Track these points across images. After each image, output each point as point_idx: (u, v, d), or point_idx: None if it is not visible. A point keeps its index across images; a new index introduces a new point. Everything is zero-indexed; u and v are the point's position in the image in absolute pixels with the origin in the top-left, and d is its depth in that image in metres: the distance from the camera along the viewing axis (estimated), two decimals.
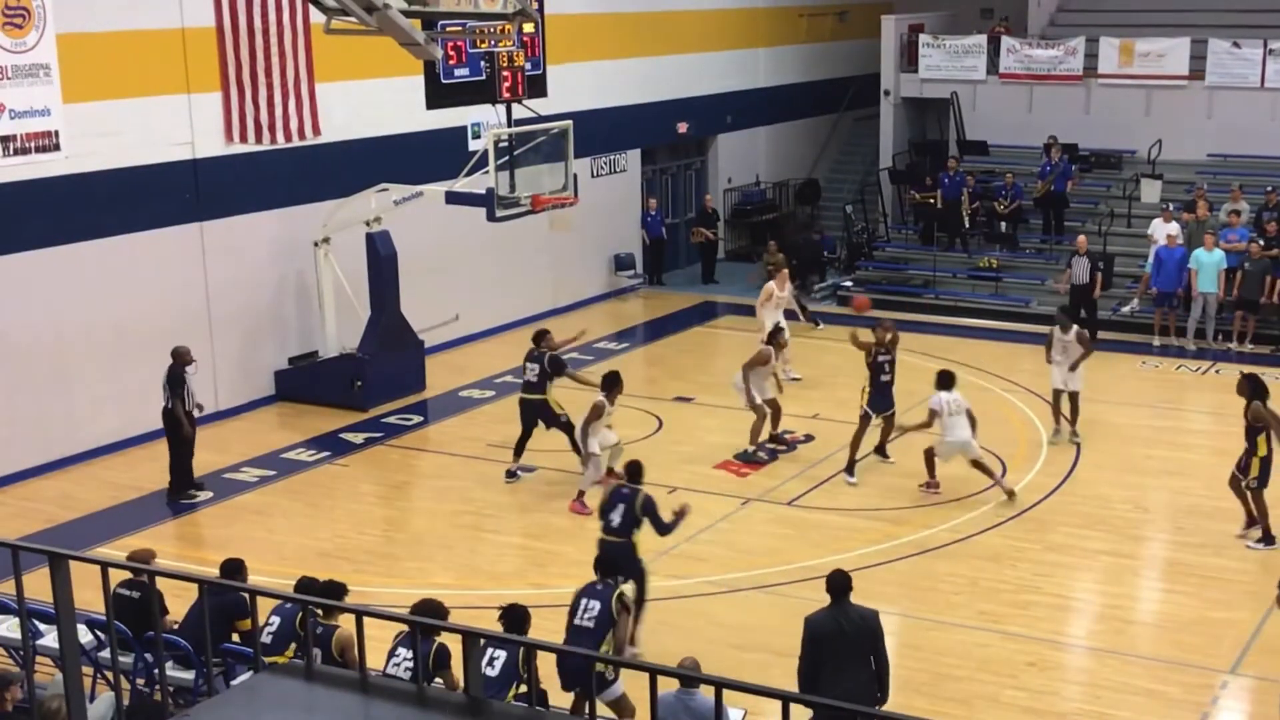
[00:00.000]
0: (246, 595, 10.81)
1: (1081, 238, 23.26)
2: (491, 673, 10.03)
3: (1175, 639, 13.12)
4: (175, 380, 16.58)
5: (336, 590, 10.60)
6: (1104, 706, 11.95)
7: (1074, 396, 18.35)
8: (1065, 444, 18.26)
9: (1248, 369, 21.60)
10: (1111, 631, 13.41)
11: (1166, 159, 26.44)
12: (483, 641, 10.27)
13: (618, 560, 11.81)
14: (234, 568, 11.36)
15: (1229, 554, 14.97)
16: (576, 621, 10.95)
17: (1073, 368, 18.15)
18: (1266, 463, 14.90)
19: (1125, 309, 23.96)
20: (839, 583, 10.03)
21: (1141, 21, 28.74)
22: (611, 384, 16.05)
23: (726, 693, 5.38)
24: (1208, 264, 22.45)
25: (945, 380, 16.44)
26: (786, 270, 22.12)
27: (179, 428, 16.74)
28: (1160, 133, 26.51)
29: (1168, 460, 17.97)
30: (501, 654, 10.13)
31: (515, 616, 10.35)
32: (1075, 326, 18.57)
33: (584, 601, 10.99)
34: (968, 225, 26.50)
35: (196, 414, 16.99)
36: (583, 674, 10.47)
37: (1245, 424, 14.92)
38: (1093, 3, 30.68)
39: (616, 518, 12.67)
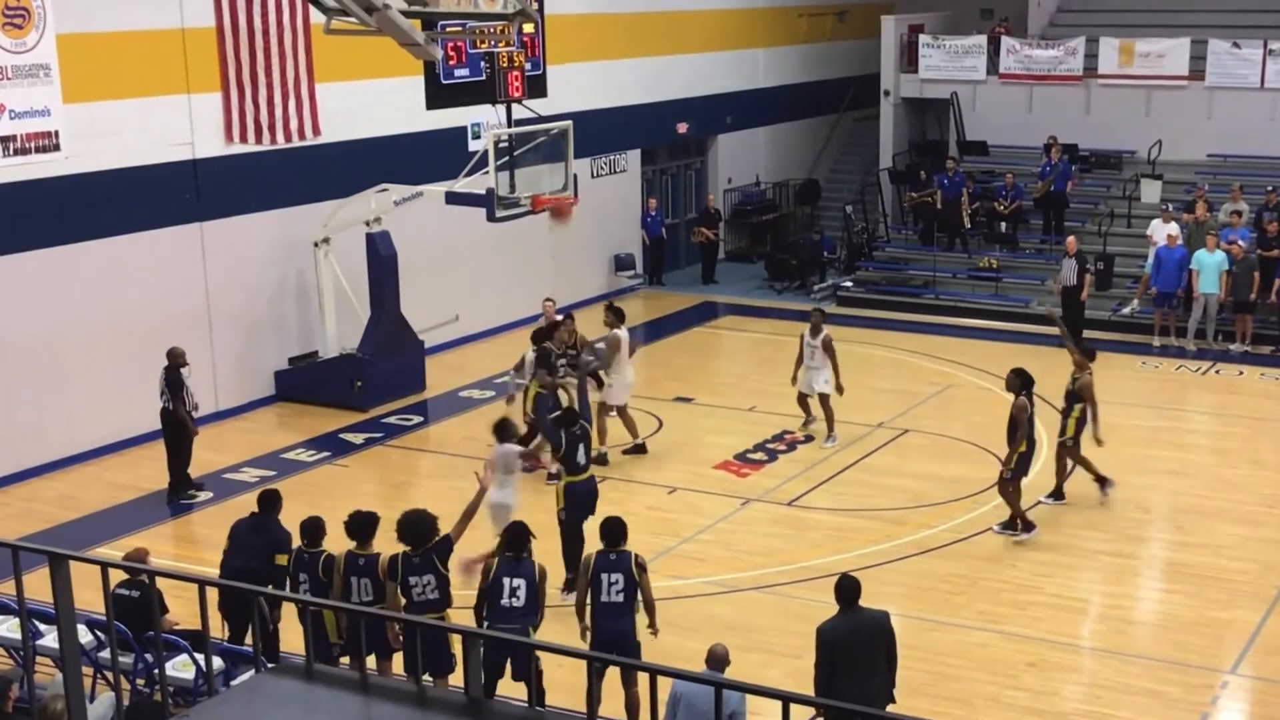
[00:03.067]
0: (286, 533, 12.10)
1: (1070, 239, 23.23)
2: (517, 603, 10.60)
3: (1175, 639, 13.13)
4: (175, 382, 16.59)
5: (370, 522, 11.40)
6: (1104, 707, 11.95)
7: (823, 399, 18.32)
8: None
9: (1248, 369, 21.75)
10: (1112, 631, 13.42)
11: (1166, 159, 26.44)
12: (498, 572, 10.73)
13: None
14: (271, 498, 12.47)
15: (1229, 554, 14.98)
16: (605, 599, 11.00)
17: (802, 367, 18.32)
18: (1024, 457, 15.11)
19: (1126, 309, 23.96)
20: (850, 589, 9.92)
21: (1141, 22, 28.74)
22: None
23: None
24: (1209, 265, 22.44)
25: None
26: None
27: (183, 428, 16.77)
28: (1160, 133, 26.51)
29: (1168, 460, 17.97)
30: (521, 582, 10.64)
31: (517, 534, 10.94)
32: (825, 330, 18.38)
33: (605, 577, 11.01)
34: (968, 225, 26.50)
35: (194, 413, 17.02)
36: (624, 645, 10.78)
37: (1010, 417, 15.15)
38: (1093, 3, 30.69)
39: None
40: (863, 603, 10.03)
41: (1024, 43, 28.76)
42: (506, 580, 10.82)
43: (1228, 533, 15.51)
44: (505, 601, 10.79)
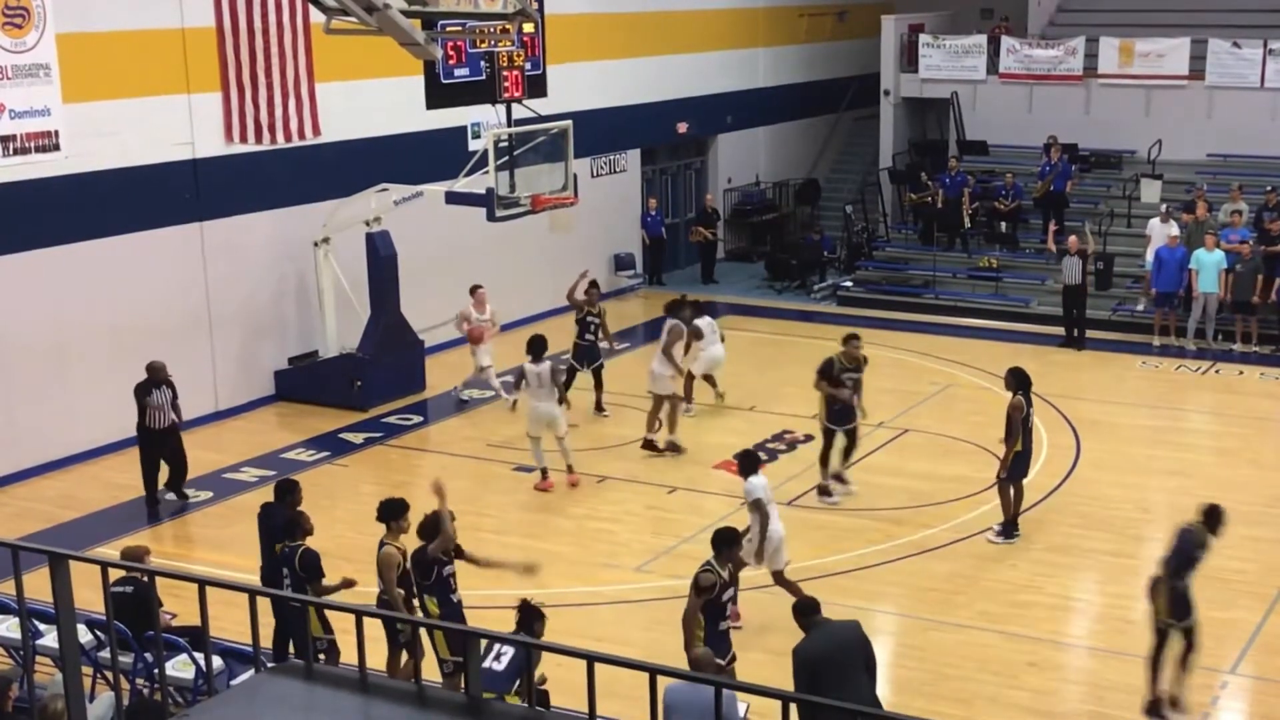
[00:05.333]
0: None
1: (1073, 238, 23.18)
2: (498, 666, 10.19)
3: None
4: (141, 395, 16.31)
5: (399, 507, 11.37)
6: (1104, 707, 11.95)
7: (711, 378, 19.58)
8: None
9: (1248, 369, 21.74)
10: (1112, 631, 13.41)
11: (1166, 159, 26.44)
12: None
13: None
14: (287, 487, 12.35)
15: (1229, 554, 14.91)
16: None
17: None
18: (1020, 458, 15.11)
19: (1139, 307, 23.93)
20: (808, 607, 10.00)
21: (1141, 21, 28.74)
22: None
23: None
24: (1208, 264, 22.43)
25: None
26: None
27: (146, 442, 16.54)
28: (1160, 133, 26.52)
29: (1168, 460, 17.97)
30: (509, 649, 10.25)
31: (528, 613, 10.49)
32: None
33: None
34: (968, 225, 26.49)
35: (176, 420, 16.64)
36: None
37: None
38: (1092, 3, 30.70)
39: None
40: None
41: (1024, 42, 28.77)
42: (496, 644, 10.46)
43: (1228, 532, 15.45)
44: (487, 664, 10.37)
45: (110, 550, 14.35)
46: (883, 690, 12.38)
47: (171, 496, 16.87)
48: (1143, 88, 27.19)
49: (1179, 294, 22.89)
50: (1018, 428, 15.01)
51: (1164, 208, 24.20)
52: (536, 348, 16.91)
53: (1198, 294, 22.59)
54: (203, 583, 6.13)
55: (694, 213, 29.69)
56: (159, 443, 16.54)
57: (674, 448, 18.05)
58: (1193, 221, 23.51)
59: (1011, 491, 15.30)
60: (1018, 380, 15.21)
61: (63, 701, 7.69)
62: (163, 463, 16.77)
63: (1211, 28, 27.28)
